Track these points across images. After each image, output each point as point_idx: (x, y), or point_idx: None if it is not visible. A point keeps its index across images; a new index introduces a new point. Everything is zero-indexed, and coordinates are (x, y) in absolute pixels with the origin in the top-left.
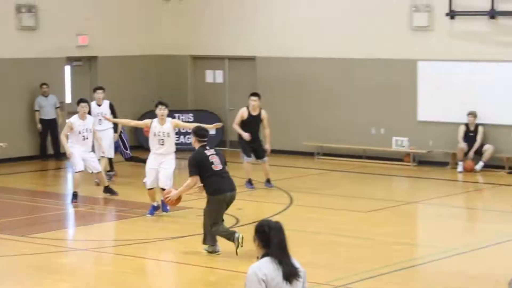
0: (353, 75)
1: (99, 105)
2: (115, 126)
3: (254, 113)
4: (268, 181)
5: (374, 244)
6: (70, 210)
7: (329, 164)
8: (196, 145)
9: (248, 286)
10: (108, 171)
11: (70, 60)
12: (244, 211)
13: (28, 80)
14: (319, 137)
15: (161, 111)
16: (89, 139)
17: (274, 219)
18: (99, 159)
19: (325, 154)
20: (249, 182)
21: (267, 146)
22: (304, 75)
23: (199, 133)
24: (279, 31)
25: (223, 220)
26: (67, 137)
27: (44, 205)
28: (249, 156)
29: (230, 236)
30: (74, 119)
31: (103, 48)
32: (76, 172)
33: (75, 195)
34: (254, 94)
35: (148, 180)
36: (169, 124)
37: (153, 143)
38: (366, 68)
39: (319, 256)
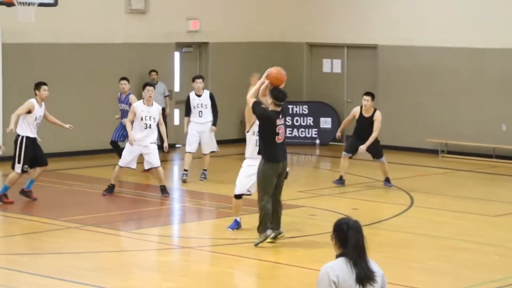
0: (483, 66)
1: (199, 96)
2: (215, 119)
3: (367, 114)
4: (387, 180)
5: (503, 251)
6: (175, 205)
7: (454, 163)
8: (271, 108)
9: (318, 286)
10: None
11: (179, 46)
12: (360, 212)
13: (136, 66)
14: (444, 133)
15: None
16: (152, 128)
17: (393, 221)
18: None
19: (450, 152)
20: (340, 178)
21: (362, 146)
22: (429, 65)
23: (277, 96)
24: (403, 17)
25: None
26: (132, 122)
27: (147, 199)
28: (347, 152)
29: (265, 226)
30: (138, 104)
31: (214, 34)
32: (118, 164)
33: (111, 188)
34: (367, 94)
35: (239, 185)
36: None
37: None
38: (498, 58)
39: (441, 262)
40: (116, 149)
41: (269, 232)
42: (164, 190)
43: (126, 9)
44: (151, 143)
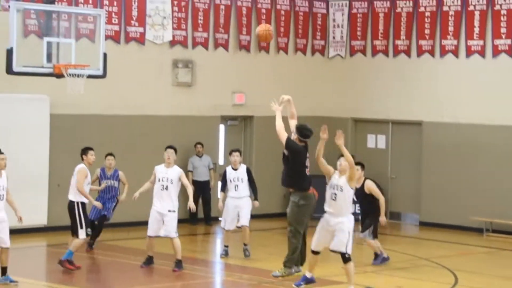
0: None
1: (235, 169)
2: (255, 192)
3: (358, 185)
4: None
5: None
6: (218, 278)
7: (499, 242)
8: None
9: None
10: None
11: (225, 119)
12: None
13: (182, 139)
14: (489, 212)
15: None
16: (169, 190)
17: None
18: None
19: (495, 231)
20: (379, 256)
21: (381, 219)
22: (474, 142)
23: (303, 133)
24: (448, 94)
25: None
26: (152, 184)
27: (188, 272)
28: (363, 231)
29: (291, 263)
30: (158, 166)
31: (259, 108)
32: (147, 235)
33: (148, 259)
34: (356, 164)
35: (316, 241)
36: None
37: None
38: None
39: None
40: (93, 228)
41: (293, 269)
42: (178, 264)
43: (173, 81)
44: (169, 211)
